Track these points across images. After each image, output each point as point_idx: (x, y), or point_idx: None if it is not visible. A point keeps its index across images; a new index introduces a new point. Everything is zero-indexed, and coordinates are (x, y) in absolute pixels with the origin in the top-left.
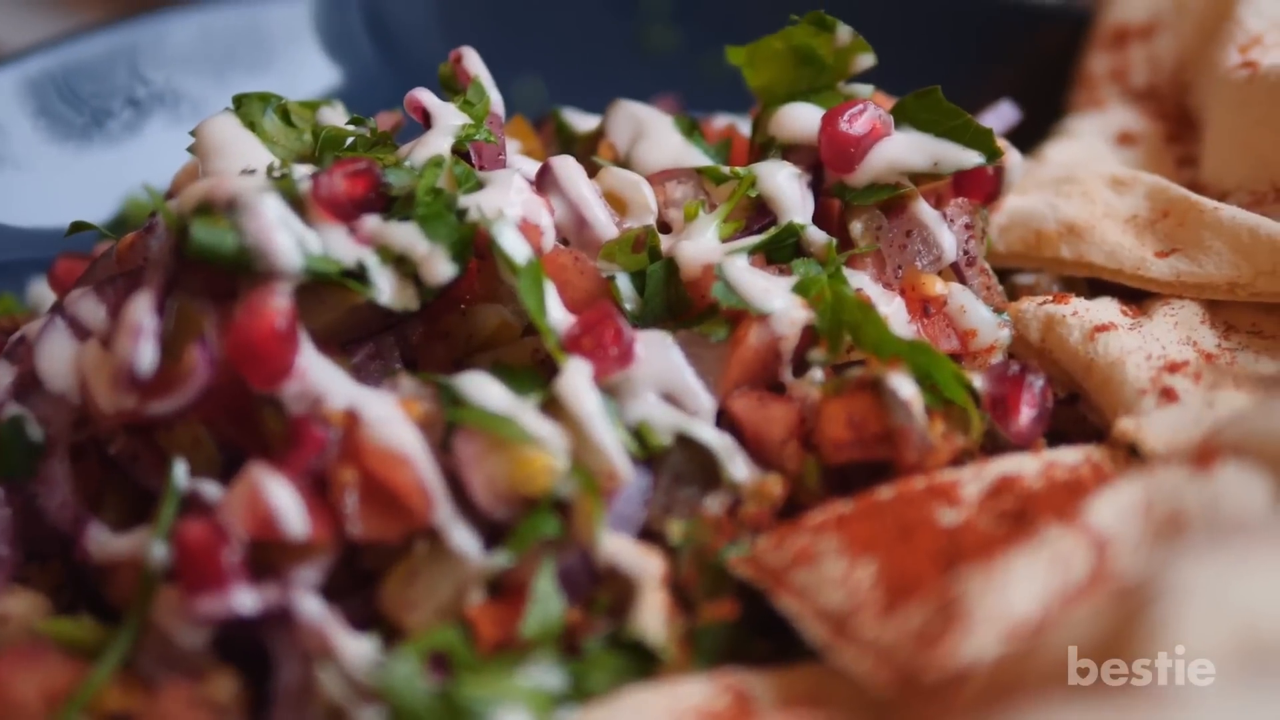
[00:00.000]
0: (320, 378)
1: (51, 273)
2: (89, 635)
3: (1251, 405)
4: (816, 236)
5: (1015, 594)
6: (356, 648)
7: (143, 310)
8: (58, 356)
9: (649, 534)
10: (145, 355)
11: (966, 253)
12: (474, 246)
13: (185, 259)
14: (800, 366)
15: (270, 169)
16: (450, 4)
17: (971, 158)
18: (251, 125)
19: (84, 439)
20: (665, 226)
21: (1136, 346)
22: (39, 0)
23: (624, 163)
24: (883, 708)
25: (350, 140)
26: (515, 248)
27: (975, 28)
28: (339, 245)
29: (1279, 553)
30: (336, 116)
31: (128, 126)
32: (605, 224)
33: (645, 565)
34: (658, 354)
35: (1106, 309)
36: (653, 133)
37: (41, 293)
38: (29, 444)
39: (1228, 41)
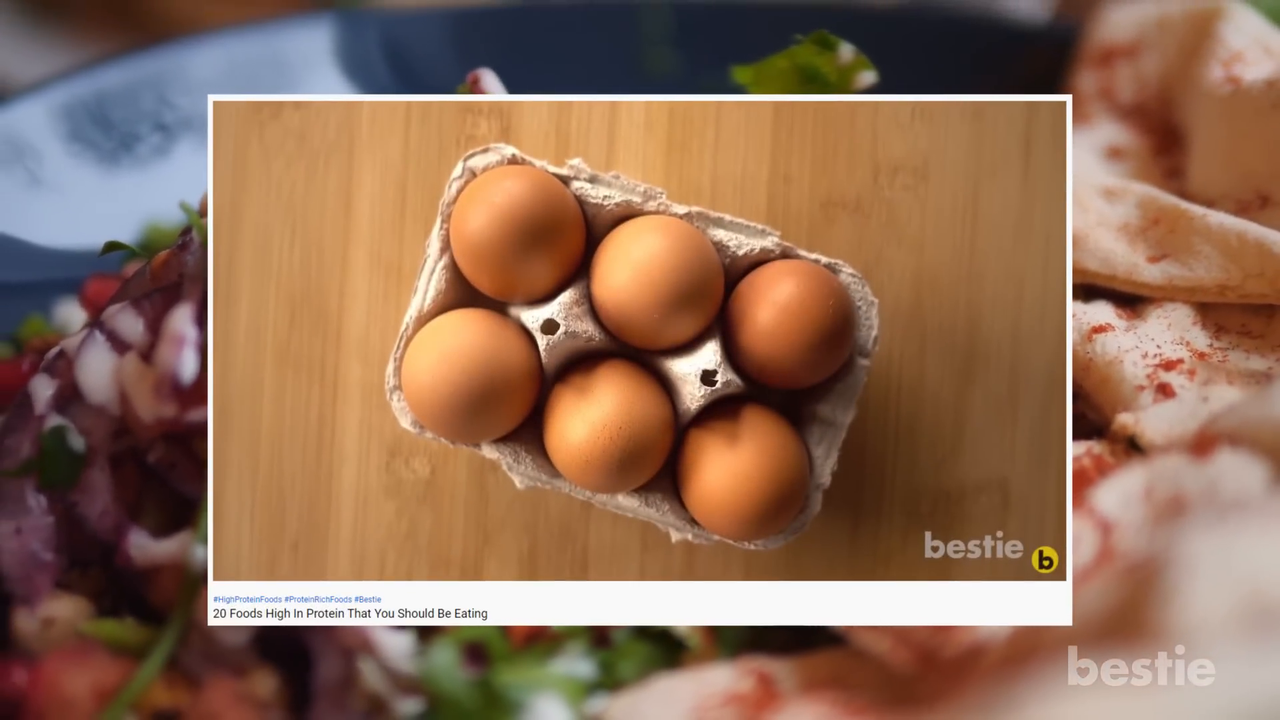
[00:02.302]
0: None
1: (82, 292)
2: (134, 635)
3: (1246, 397)
4: None
5: None
6: (396, 642)
7: (184, 322)
8: (98, 369)
9: None
10: (188, 365)
11: None
12: None
13: None
14: None
15: None
16: (463, 30)
17: None
18: None
19: (123, 448)
20: None
21: (1133, 346)
22: (48, 34)
23: None
24: (902, 685)
25: None
26: None
27: (967, 47)
28: None
29: (1272, 522)
30: None
31: (156, 150)
32: None
33: None
34: None
35: (1102, 312)
36: None
37: (68, 314)
38: (71, 454)
39: (1211, 58)
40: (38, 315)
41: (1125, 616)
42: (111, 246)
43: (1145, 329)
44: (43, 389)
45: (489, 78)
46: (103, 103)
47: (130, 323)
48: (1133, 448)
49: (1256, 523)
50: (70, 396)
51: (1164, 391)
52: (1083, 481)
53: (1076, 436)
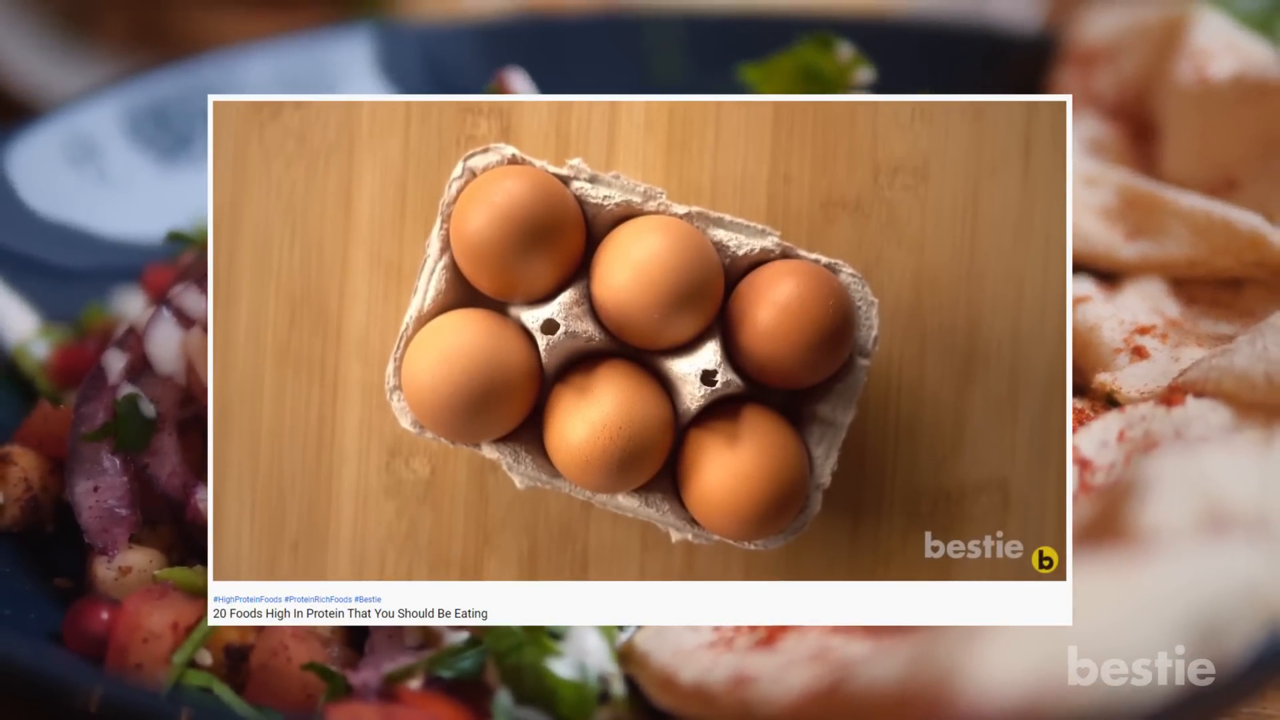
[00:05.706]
0: None
1: (143, 278)
2: (203, 580)
3: (1211, 352)
4: None
5: None
6: None
7: None
8: (166, 343)
9: None
10: None
11: None
12: None
13: None
14: None
15: None
16: (494, 41)
17: None
18: None
19: (189, 415)
20: None
21: (1111, 314)
22: (81, 51)
23: None
24: None
25: None
26: None
27: (963, 51)
28: None
29: (1230, 448)
30: None
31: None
32: None
33: None
34: None
35: (1083, 285)
36: None
37: (124, 304)
38: (143, 419)
39: (1182, 58)
40: (95, 302)
41: (1103, 524)
42: (174, 237)
43: (1122, 299)
44: (115, 361)
45: (517, 77)
46: (162, 105)
47: (195, 300)
48: (1110, 404)
49: (1215, 447)
50: (141, 368)
51: (1139, 353)
52: None
53: None
